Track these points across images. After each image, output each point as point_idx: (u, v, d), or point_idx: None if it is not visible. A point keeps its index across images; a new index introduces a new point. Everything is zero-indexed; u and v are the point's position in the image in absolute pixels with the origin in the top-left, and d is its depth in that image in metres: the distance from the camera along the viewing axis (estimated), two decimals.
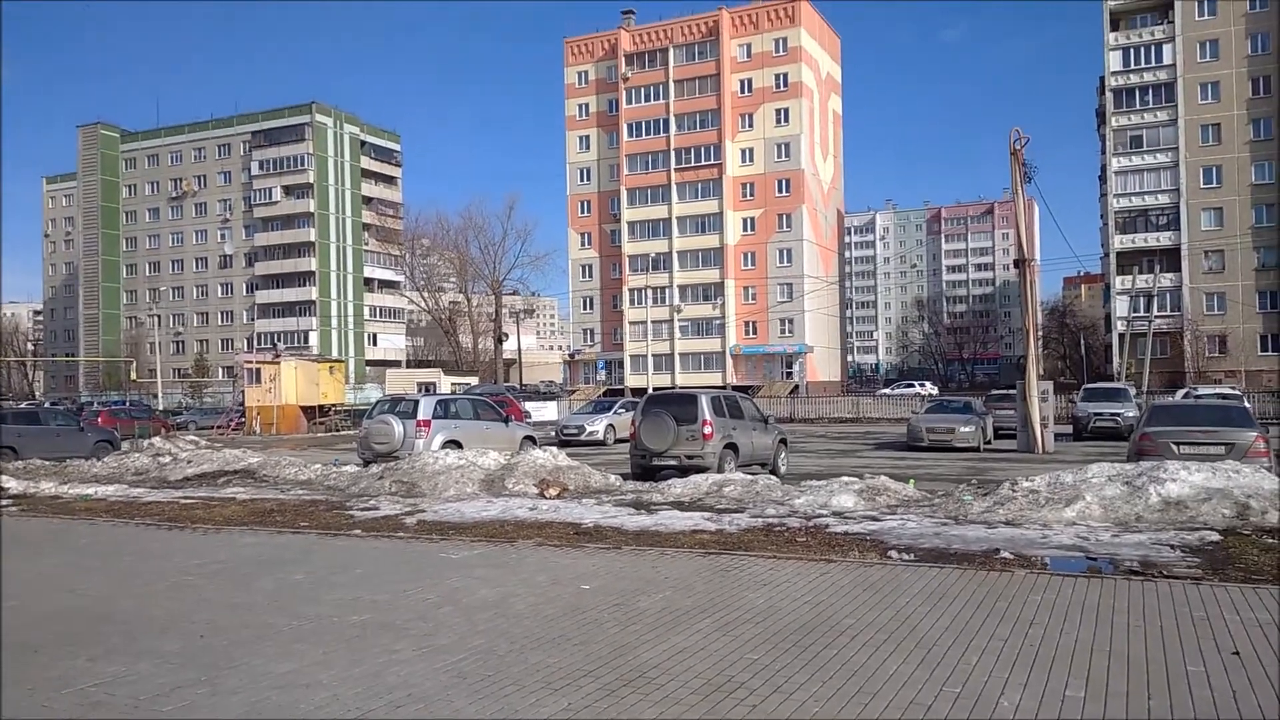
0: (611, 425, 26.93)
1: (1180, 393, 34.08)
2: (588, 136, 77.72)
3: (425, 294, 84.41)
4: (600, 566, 7.43)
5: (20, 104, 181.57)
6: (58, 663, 5.18)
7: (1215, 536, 7.66)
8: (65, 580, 7.40)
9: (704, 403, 14.63)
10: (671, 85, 73.83)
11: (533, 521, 9.61)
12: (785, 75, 71.29)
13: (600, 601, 6.29)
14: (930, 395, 48.61)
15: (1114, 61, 61.47)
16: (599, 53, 76.98)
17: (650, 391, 23.85)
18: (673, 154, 73.32)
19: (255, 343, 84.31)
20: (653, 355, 67.19)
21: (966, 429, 22.22)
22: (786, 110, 70.79)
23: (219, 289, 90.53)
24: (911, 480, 11.82)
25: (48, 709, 4.55)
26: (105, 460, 18.03)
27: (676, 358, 72.57)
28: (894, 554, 7.38)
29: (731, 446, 14.81)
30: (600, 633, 5.60)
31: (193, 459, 16.67)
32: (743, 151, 72.52)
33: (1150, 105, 60.61)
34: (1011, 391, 24.83)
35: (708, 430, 14.32)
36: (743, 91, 72.68)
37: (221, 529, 9.89)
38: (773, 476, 13.22)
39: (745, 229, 72.19)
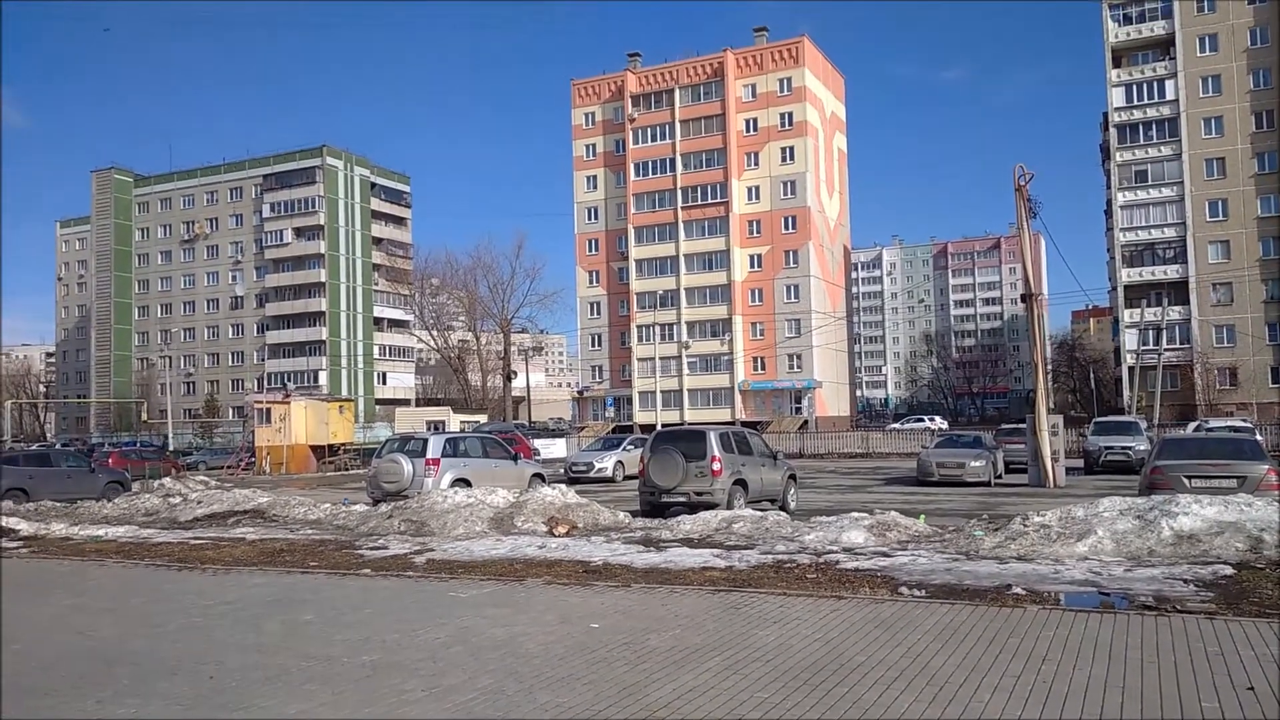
0: (620, 462, 26.88)
1: (1191, 426, 33.88)
2: (595, 176, 78.37)
3: (434, 333, 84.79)
4: (609, 605, 7.41)
5: (34, 149, 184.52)
6: (68, 704, 5.18)
7: (1228, 570, 7.59)
8: (75, 622, 7.41)
9: (712, 439, 14.62)
10: (678, 125, 74.54)
11: (541, 560, 9.59)
12: (790, 114, 71.93)
13: (609, 640, 6.27)
14: (940, 430, 48.39)
15: (1117, 98, 61.91)
16: (606, 94, 77.86)
17: (659, 428, 23.81)
18: (679, 192, 73.84)
19: (265, 383, 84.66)
20: (661, 392, 67.19)
21: (977, 464, 22.12)
22: (792, 148, 71.34)
23: (230, 330, 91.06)
24: (922, 515, 11.76)
25: None
26: (116, 501, 18.05)
27: (685, 394, 72.53)
28: (905, 590, 7.34)
29: (740, 483, 14.77)
30: (609, 671, 5.57)
31: (203, 499, 16.69)
32: (749, 189, 73.00)
33: (1154, 140, 60.90)
34: (1021, 425, 24.73)
35: (716, 466, 14.30)
36: (748, 131, 73.33)
37: (231, 569, 9.88)
38: (782, 513, 13.18)
39: (752, 265, 72.45)
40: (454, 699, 5.13)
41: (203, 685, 5.48)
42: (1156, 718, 4.47)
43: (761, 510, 12.82)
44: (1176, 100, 59.85)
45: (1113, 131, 62.15)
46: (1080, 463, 26.22)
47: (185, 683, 5.54)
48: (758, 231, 72.59)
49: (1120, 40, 62.01)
